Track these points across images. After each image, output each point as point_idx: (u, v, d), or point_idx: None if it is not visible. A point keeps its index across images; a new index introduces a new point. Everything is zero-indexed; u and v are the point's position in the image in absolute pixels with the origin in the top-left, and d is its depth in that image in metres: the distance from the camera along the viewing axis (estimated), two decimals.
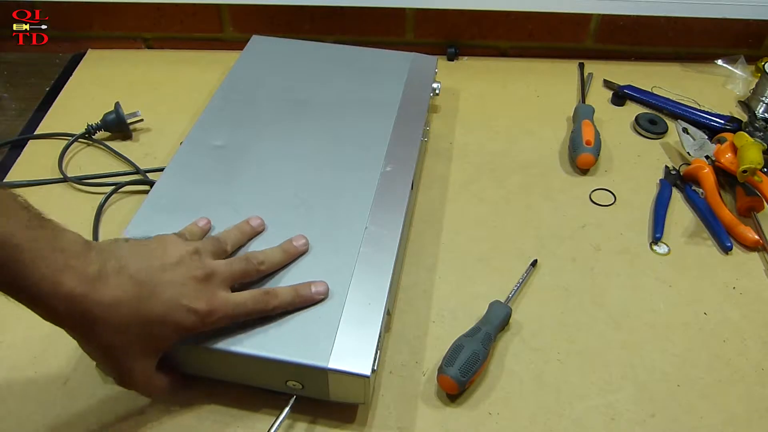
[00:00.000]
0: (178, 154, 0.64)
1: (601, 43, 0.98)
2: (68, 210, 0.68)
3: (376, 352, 0.48)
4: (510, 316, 0.58)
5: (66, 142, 0.76)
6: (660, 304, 0.62)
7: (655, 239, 0.68)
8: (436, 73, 0.81)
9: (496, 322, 0.56)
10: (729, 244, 0.67)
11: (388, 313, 0.55)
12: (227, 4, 0.91)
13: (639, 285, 0.63)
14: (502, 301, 0.59)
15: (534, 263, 0.64)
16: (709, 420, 0.52)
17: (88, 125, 0.76)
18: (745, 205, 0.70)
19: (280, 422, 0.48)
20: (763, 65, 0.88)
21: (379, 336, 0.49)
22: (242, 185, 0.61)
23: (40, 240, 0.39)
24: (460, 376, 0.51)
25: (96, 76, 0.90)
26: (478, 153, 0.79)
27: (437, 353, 0.55)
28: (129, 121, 0.78)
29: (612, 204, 0.73)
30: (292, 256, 0.53)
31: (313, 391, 0.49)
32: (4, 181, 0.71)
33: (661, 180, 0.76)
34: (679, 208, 0.73)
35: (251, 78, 0.76)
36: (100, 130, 0.77)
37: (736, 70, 0.96)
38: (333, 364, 0.47)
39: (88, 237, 0.58)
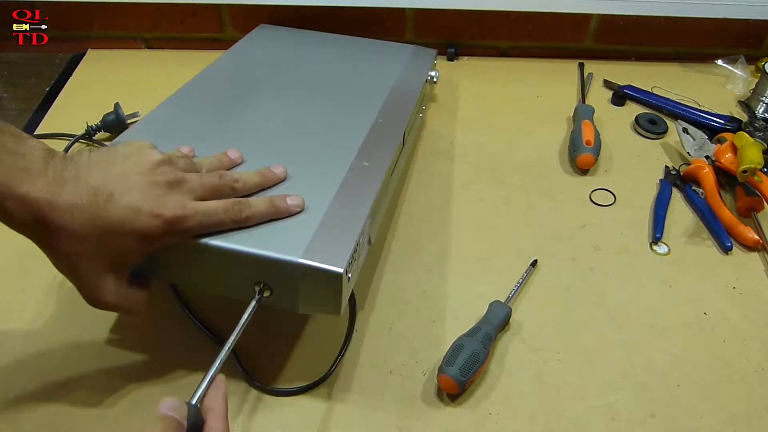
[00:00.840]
0: (172, 97, 0.64)
1: (601, 43, 0.98)
2: None
3: (353, 256, 0.45)
4: (510, 316, 0.58)
5: (67, 142, 0.76)
6: (660, 304, 0.62)
7: (655, 239, 0.68)
8: (435, 63, 0.83)
9: (496, 322, 0.56)
10: (729, 244, 0.67)
11: (369, 241, 0.53)
12: (227, 4, 0.91)
13: (639, 285, 0.64)
14: (502, 301, 0.59)
15: (534, 263, 0.64)
16: (709, 420, 0.52)
17: (87, 126, 0.76)
18: (745, 205, 0.70)
19: (242, 327, 0.44)
20: (763, 65, 0.88)
21: (358, 242, 0.47)
22: (233, 122, 0.60)
23: None
24: (461, 376, 0.51)
25: (96, 76, 0.90)
26: (478, 153, 0.79)
27: (437, 353, 0.55)
28: (129, 121, 0.78)
29: (612, 204, 0.73)
30: (270, 181, 0.51)
31: (282, 297, 0.46)
32: None
33: (661, 180, 0.76)
34: (679, 208, 0.73)
35: (253, 54, 0.78)
36: (100, 130, 0.77)
37: (736, 70, 0.96)
38: (305, 259, 0.44)
39: None
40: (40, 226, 0.40)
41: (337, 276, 0.44)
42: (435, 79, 0.83)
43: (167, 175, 0.44)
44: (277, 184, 0.51)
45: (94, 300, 0.44)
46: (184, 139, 0.55)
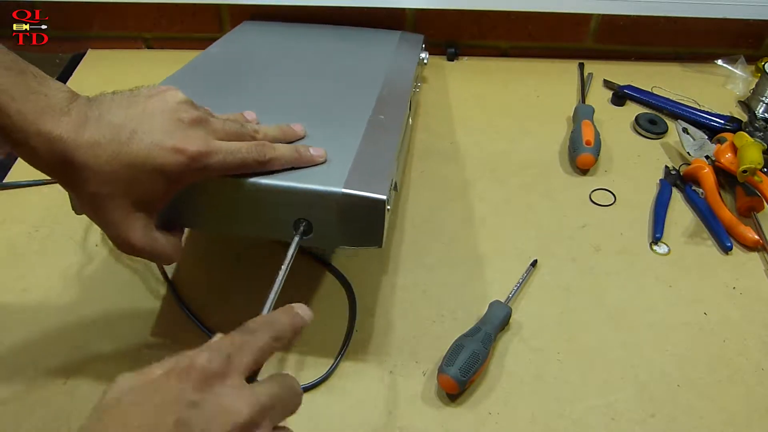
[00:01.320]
0: (172, 76, 0.63)
1: (601, 43, 0.98)
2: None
3: (390, 187, 0.46)
4: (510, 316, 0.58)
5: None
6: (660, 304, 0.62)
7: (655, 239, 0.68)
8: (423, 46, 0.86)
9: (496, 322, 0.56)
10: (729, 244, 0.67)
11: (396, 188, 0.53)
12: (227, 4, 0.91)
13: (639, 285, 0.63)
14: (502, 301, 0.59)
15: (534, 263, 0.64)
16: (709, 420, 0.52)
17: None
18: (745, 205, 0.70)
19: (287, 266, 0.43)
20: (763, 65, 0.88)
21: (393, 174, 0.47)
22: (244, 100, 0.59)
23: (21, 83, 0.39)
24: (461, 376, 0.51)
25: (96, 76, 0.90)
26: (479, 153, 0.79)
27: (437, 353, 0.55)
28: None
29: (612, 204, 0.73)
30: (289, 136, 0.50)
31: (323, 234, 0.46)
32: (5, 181, 0.71)
33: (661, 180, 0.76)
34: (679, 208, 0.73)
35: (242, 44, 0.78)
36: None
37: (736, 70, 0.96)
38: (348, 189, 0.44)
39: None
40: (64, 165, 0.40)
41: (380, 203, 0.44)
42: (425, 61, 0.86)
43: (191, 113, 0.43)
44: (295, 141, 0.51)
45: (123, 242, 0.43)
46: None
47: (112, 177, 0.40)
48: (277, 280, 0.42)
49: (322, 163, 0.48)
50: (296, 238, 0.45)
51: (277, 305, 0.41)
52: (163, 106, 0.43)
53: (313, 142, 0.50)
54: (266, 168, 0.45)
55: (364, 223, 0.45)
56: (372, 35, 0.86)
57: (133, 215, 0.42)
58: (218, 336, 0.36)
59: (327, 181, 0.45)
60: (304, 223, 0.46)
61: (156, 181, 0.42)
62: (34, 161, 0.40)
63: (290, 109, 0.57)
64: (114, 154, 0.40)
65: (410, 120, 0.71)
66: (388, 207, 0.45)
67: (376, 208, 0.44)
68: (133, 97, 0.43)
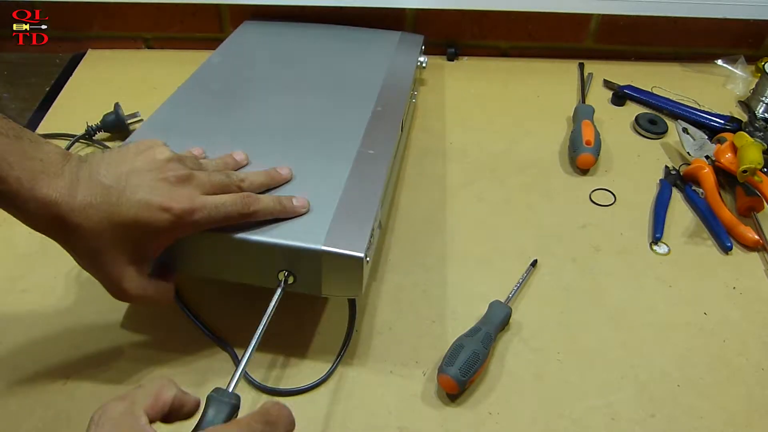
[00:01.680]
0: (172, 97, 0.66)
1: (601, 43, 0.98)
2: None
3: (370, 240, 0.48)
4: (510, 316, 0.58)
5: (67, 142, 0.76)
6: (660, 304, 0.62)
7: (655, 239, 0.68)
8: (422, 49, 0.86)
9: (496, 322, 0.56)
10: (729, 244, 0.67)
11: (380, 225, 0.56)
12: (227, 4, 0.91)
13: (639, 285, 0.63)
14: (502, 301, 0.59)
15: (534, 263, 0.64)
16: (709, 420, 0.52)
17: (87, 126, 0.76)
18: (745, 205, 0.70)
19: (269, 314, 0.46)
20: (763, 65, 0.88)
21: (373, 226, 0.49)
22: (237, 116, 0.62)
23: (18, 149, 0.41)
24: (461, 376, 0.51)
25: (96, 76, 0.90)
26: (478, 153, 0.79)
27: (437, 353, 0.55)
28: (129, 121, 0.78)
29: (612, 204, 0.73)
30: (276, 181, 0.52)
31: (305, 283, 0.49)
32: None
33: (661, 180, 0.76)
34: (679, 208, 0.73)
35: (244, 50, 0.80)
36: (100, 131, 0.77)
37: (736, 70, 0.96)
38: (327, 246, 0.46)
39: None
40: (59, 226, 0.42)
41: (358, 260, 0.46)
42: (424, 65, 0.85)
43: (176, 171, 0.45)
44: (283, 184, 0.53)
45: (119, 292, 0.46)
46: (188, 139, 0.56)
47: (105, 235, 0.43)
48: (259, 329, 0.45)
49: (305, 213, 0.50)
50: (278, 291, 0.48)
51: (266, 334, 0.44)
52: (150, 164, 0.45)
53: (299, 181, 0.53)
54: (251, 219, 0.47)
55: (344, 276, 0.48)
56: (371, 38, 0.86)
57: (126, 268, 0.45)
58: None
59: (308, 237, 0.47)
60: (287, 274, 0.48)
61: (146, 238, 0.45)
62: (31, 222, 0.42)
63: (282, 134, 0.60)
64: (106, 215, 0.43)
65: (404, 132, 0.72)
66: (368, 259, 0.48)
67: (354, 265, 0.47)
68: (121, 155, 0.46)
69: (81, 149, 0.77)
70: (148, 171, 0.44)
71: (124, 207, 0.43)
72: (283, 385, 0.53)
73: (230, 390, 0.39)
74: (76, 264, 0.45)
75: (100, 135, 0.78)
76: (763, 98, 0.87)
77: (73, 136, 0.76)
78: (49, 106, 0.83)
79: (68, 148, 0.75)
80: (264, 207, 0.48)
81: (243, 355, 0.43)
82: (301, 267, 0.48)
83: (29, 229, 0.57)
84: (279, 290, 0.48)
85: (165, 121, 0.61)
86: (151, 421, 0.35)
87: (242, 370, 0.42)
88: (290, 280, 0.49)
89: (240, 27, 0.87)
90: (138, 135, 0.59)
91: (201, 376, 0.53)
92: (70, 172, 0.42)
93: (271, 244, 0.47)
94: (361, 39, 0.85)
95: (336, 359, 0.54)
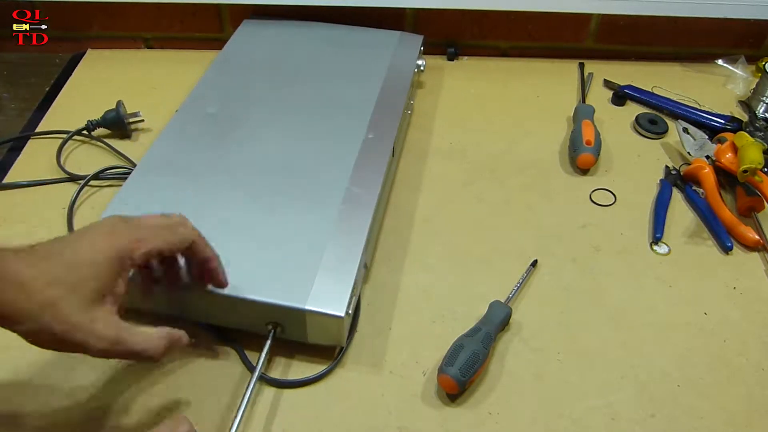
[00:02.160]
0: (172, 122, 0.68)
1: (601, 43, 0.98)
2: (68, 209, 0.68)
3: (351, 297, 0.52)
4: (510, 316, 0.58)
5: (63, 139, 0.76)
6: (660, 304, 0.62)
7: (655, 239, 0.68)
8: (421, 50, 0.86)
9: (496, 322, 0.56)
10: (729, 244, 0.67)
11: (366, 266, 0.59)
12: (227, 4, 0.91)
13: (639, 285, 0.63)
14: (502, 301, 0.59)
15: (534, 263, 0.64)
16: (709, 420, 0.52)
17: (88, 121, 0.76)
18: (746, 205, 0.70)
19: (263, 360, 0.50)
20: (764, 65, 0.88)
21: (355, 283, 0.53)
22: (232, 150, 0.65)
23: None
24: (461, 376, 0.51)
25: (96, 76, 0.90)
26: (478, 153, 0.79)
27: (437, 353, 0.55)
28: (129, 120, 0.78)
29: (612, 204, 0.73)
30: None
31: (292, 332, 0.53)
32: (4, 181, 0.71)
33: (661, 180, 0.76)
34: (679, 208, 0.73)
35: (243, 54, 0.81)
36: (99, 126, 0.77)
37: (736, 70, 0.96)
38: (310, 306, 0.50)
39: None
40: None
41: (339, 318, 0.50)
42: (422, 68, 0.85)
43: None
44: None
45: (92, 337, 0.41)
46: (189, 171, 0.62)
47: (54, 281, 0.40)
48: (254, 375, 0.50)
49: None
50: (269, 342, 0.52)
51: None
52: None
53: (286, 234, 0.56)
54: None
55: (326, 329, 0.52)
56: (368, 40, 0.85)
57: (92, 309, 0.42)
58: None
59: (293, 296, 0.51)
60: (276, 325, 0.53)
61: (97, 267, 0.42)
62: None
63: (270, 174, 0.62)
64: (49, 260, 0.41)
65: (396, 154, 0.73)
66: (349, 312, 0.52)
67: (335, 322, 0.51)
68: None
69: (78, 146, 0.77)
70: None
71: (67, 252, 0.42)
72: None
73: None
74: None
75: (99, 132, 0.78)
76: (764, 98, 0.87)
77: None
78: (49, 106, 0.83)
79: (65, 142, 0.76)
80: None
81: (240, 404, 0.47)
82: (288, 321, 0.52)
83: (29, 228, 0.57)
84: (269, 340, 0.52)
85: (160, 158, 0.63)
86: None
87: (239, 421, 0.46)
88: (278, 330, 0.53)
89: (240, 27, 0.87)
90: (135, 177, 0.61)
91: (209, 380, 0.53)
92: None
93: (260, 302, 0.51)
94: (359, 41, 0.85)
95: (336, 358, 0.54)
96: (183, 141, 0.66)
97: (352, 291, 0.52)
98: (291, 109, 0.71)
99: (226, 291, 0.50)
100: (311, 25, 0.88)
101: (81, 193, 0.69)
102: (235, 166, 0.63)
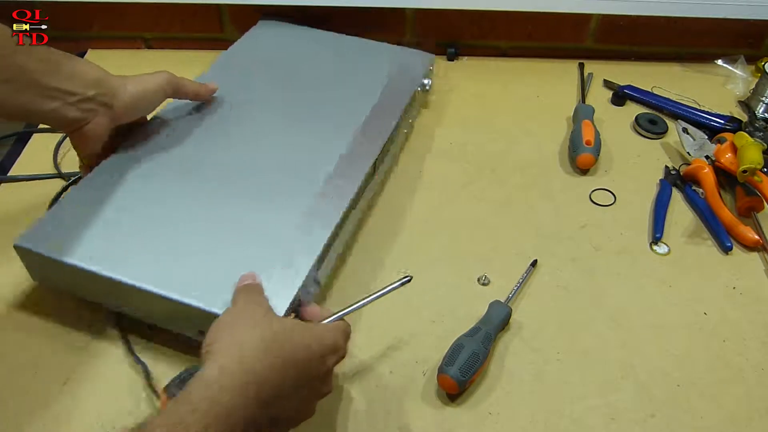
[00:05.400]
0: (152, 118, 0.67)
1: (601, 43, 0.98)
2: None
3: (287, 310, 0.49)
4: (510, 316, 0.58)
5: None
6: (660, 304, 0.62)
7: (655, 239, 0.68)
8: (431, 70, 0.83)
9: (496, 322, 0.56)
10: (729, 244, 0.67)
11: (318, 283, 0.55)
12: (227, 4, 0.91)
13: (639, 285, 0.63)
14: (502, 301, 0.59)
15: (534, 263, 0.64)
16: (709, 420, 0.52)
17: None
18: (745, 205, 0.70)
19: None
20: (763, 65, 0.88)
21: (294, 297, 0.50)
22: (200, 150, 0.64)
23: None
24: (460, 376, 0.51)
25: None
26: (478, 153, 0.79)
27: (437, 353, 0.55)
28: None
29: (612, 204, 0.73)
30: None
31: None
32: (8, 175, 0.72)
33: (661, 180, 0.76)
34: (679, 208, 0.73)
35: (247, 55, 0.80)
36: None
37: (736, 70, 0.96)
38: (216, 309, 0.48)
39: None
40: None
41: None
42: (428, 87, 0.82)
43: None
44: None
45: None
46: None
47: None
48: None
49: None
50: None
51: None
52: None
53: (235, 233, 0.55)
54: None
55: None
56: (378, 55, 0.82)
57: None
58: None
59: (212, 301, 0.48)
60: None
61: None
62: None
63: (242, 177, 0.61)
64: None
65: (379, 170, 0.69)
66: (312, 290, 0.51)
67: None
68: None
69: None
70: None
71: None
72: None
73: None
74: None
75: None
76: (763, 98, 0.87)
77: None
78: None
79: (64, 139, 0.76)
80: None
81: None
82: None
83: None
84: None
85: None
86: None
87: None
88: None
89: (252, 29, 0.86)
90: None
91: None
92: None
93: (182, 303, 0.49)
94: (367, 54, 0.82)
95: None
96: (152, 141, 0.64)
97: (289, 306, 0.49)
98: (277, 114, 0.69)
99: (158, 290, 0.49)
100: (324, 34, 0.86)
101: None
102: (198, 166, 0.61)
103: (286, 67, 0.78)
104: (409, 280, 0.51)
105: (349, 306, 0.50)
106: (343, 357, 0.47)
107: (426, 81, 0.81)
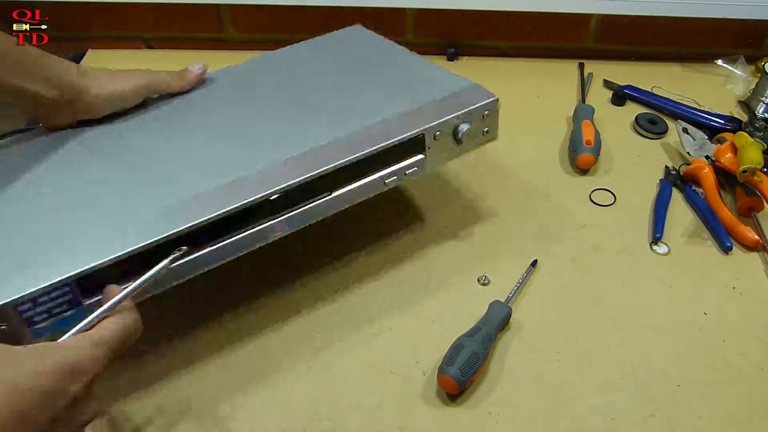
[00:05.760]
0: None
1: (601, 43, 0.98)
2: None
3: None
4: (510, 316, 0.58)
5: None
6: (660, 304, 0.62)
7: (655, 239, 0.68)
8: (487, 114, 0.63)
9: (496, 322, 0.56)
10: (729, 244, 0.67)
11: (153, 287, 0.46)
12: (227, 4, 0.91)
13: (639, 285, 0.63)
14: (502, 301, 0.59)
15: (534, 263, 0.64)
16: (709, 420, 0.52)
17: None
18: (745, 205, 0.70)
19: None
20: (763, 65, 0.88)
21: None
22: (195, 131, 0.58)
23: None
24: (460, 376, 0.51)
25: None
26: (478, 153, 0.79)
27: (437, 353, 0.55)
28: None
29: (612, 204, 0.73)
30: None
31: None
32: None
33: (661, 180, 0.76)
34: (679, 208, 0.73)
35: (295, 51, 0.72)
36: None
37: (736, 70, 0.96)
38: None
39: None
40: None
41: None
42: (461, 135, 0.60)
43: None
44: None
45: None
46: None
47: None
48: None
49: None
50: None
51: None
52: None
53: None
54: None
55: None
56: (427, 78, 0.65)
57: None
58: None
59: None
60: None
61: None
62: None
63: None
64: None
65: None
66: (3, 326, 0.42)
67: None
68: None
69: None
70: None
71: None
72: None
73: None
74: None
75: None
76: (763, 98, 0.87)
77: None
78: None
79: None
80: None
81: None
82: None
83: None
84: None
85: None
86: None
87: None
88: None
89: (345, 29, 0.77)
90: None
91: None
92: None
93: None
94: (417, 77, 0.65)
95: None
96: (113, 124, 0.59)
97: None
98: (265, 117, 0.60)
99: None
100: (396, 47, 0.72)
101: None
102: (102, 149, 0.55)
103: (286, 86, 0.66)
104: (182, 253, 0.45)
105: (125, 288, 0.42)
106: (97, 372, 0.37)
107: (464, 125, 0.60)
